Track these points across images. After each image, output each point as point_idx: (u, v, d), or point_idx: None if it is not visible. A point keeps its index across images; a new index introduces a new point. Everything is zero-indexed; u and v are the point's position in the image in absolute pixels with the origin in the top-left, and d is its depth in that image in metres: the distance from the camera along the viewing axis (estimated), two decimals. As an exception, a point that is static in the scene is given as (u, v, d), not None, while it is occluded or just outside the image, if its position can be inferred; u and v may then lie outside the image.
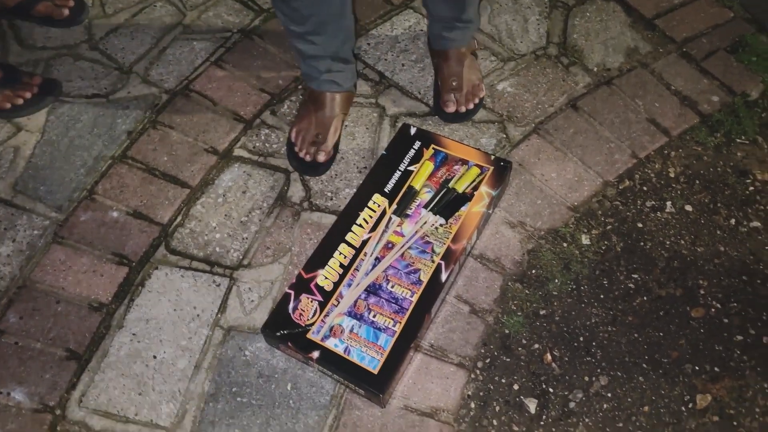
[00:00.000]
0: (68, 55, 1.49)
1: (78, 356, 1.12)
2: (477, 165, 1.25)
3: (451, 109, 1.35)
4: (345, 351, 1.05)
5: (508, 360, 1.11)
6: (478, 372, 1.10)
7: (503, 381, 1.09)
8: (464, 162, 1.25)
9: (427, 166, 1.25)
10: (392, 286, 1.12)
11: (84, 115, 1.39)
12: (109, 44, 1.51)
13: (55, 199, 1.28)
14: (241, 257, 1.22)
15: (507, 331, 1.13)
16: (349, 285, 1.12)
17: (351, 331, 1.07)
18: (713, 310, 1.14)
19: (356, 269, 1.14)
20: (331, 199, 1.29)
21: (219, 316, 1.16)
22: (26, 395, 1.06)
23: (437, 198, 1.21)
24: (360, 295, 1.11)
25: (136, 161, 1.33)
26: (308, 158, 1.29)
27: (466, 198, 1.21)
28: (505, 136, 1.37)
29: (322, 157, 1.28)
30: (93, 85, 1.44)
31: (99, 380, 1.10)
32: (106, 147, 1.35)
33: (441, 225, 1.18)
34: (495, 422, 1.05)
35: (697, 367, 1.08)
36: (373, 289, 1.12)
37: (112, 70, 1.46)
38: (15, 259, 1.21)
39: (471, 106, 1.36)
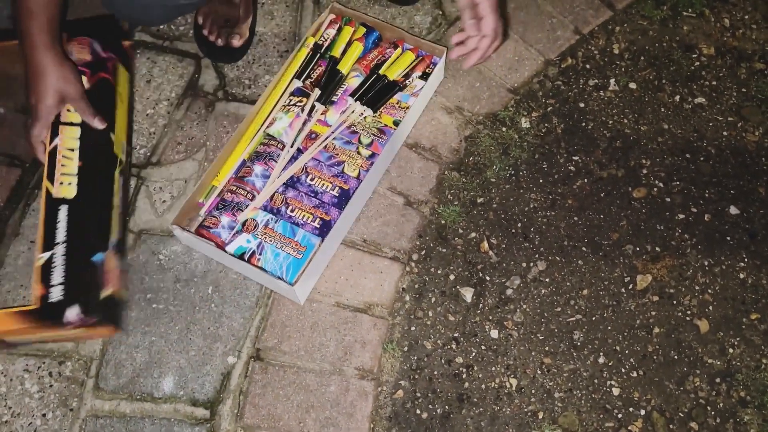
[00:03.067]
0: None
1: (-31, 269, 1.00)
2: (411, 49, 1.13)
3: None
4: (258, 247, 0.96)
5: (444, 251, 1.04)
6: (413, 264, 1.04)
7: (439, 272, 1.03)
8: (397, 45, 1.14)
9: (356, 47, 1.13)
10: (312, 179, 1.03)
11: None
12: None
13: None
14: (149, 154, 1.10)
15: (443, 222, 1.07)
16: (266, 178, 1.02)
17: (266, 225, 0.98)
18: (655, 189, 1.09)
19: (272, 159, 1.03)
20: (250, 87, 1.16)
21: (128, 218, 1.05)
22: None
23: (366, 85, 1.10)
24: (277, 189, 1.02)
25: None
26: (220, 42, 1.14)
27: (396, 86, 1.10)
28: (440, 12, 1.25)
29: (237, 42, 1.14)
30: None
31: (-5, 294, 0.99)
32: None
33: (369, 115, 1.08)
34: (430, 313, 1.00)
35: (637, 248, 1.04)
36: (290, 182, 1.02)
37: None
38: None
39: None
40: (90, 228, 0.89)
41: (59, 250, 0.86)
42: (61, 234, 0.87)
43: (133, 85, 1.11)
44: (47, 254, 0.86)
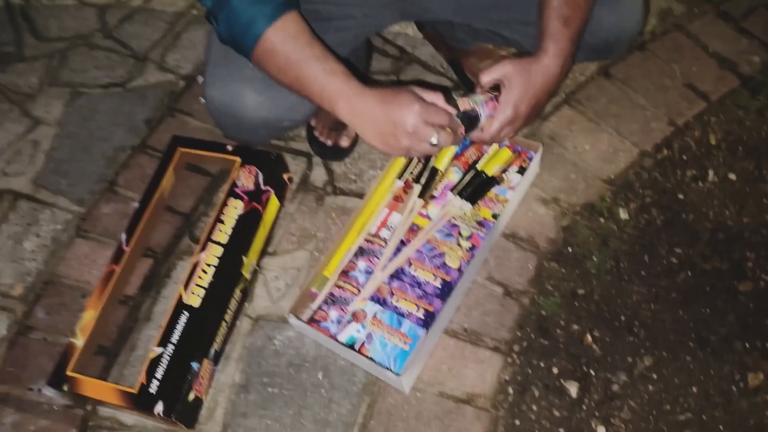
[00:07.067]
0: (83, 45, 1.47)
1: (106, 351, 1.10)
2: (508, 146, 1.19)
3: None
4: (367, 337, 1.02)
5: (546, 343, 1.06)
6: (514, 356, 1.06)
7: (541, 364, 1.04)
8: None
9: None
10: (415, 270, 1.08)
11: (101, 106, 1.37)
12: (123, 32, 1.48)
13: (76, 192, 1.26)
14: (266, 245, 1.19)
15: (543, 313, 1.09)
16: (368, 273, 1.08)
17: (374, 316, 1.04)
18: (762, 283, 1.07)
19: (375, 256, 1.09)
20: (355, 182, 1.25)
21: (246, 305, 1.13)
22: (57, 391, 1.05)
23: (464, 180, 1.16)
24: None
25: (156, 150, 1.30)
26: (330, 143, 1.24)
27: (494, 181, 1.15)
28: (534, 108, 1.31)
29: (345, 143, 1.24)
30: (109, 74, 1.41)
31: (128, 374, 1.08)
32: (125, 137, 1.33)
33: (468, 209, 1.14)
34: (534, 407, 1.01)
35: (747, 344, 1.02)
36: (395, 273, 1.08)
37: (127, 58, 1.43)
38: (39, 255, 1.20)
39: None
40: (199, 337, 1.01)
41: (169, 349, 1.00)
42: (176, 336, 1.01)
43: (280, 211, 1.22)
44: (159, 350, 1.00)
